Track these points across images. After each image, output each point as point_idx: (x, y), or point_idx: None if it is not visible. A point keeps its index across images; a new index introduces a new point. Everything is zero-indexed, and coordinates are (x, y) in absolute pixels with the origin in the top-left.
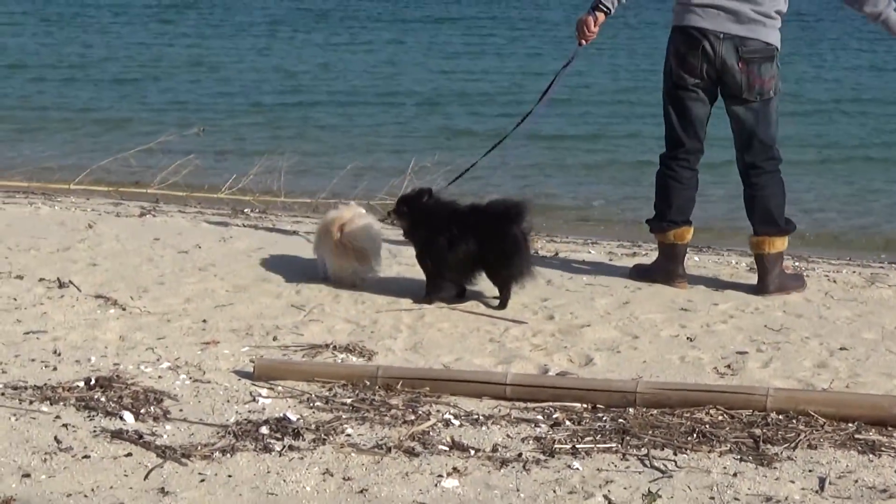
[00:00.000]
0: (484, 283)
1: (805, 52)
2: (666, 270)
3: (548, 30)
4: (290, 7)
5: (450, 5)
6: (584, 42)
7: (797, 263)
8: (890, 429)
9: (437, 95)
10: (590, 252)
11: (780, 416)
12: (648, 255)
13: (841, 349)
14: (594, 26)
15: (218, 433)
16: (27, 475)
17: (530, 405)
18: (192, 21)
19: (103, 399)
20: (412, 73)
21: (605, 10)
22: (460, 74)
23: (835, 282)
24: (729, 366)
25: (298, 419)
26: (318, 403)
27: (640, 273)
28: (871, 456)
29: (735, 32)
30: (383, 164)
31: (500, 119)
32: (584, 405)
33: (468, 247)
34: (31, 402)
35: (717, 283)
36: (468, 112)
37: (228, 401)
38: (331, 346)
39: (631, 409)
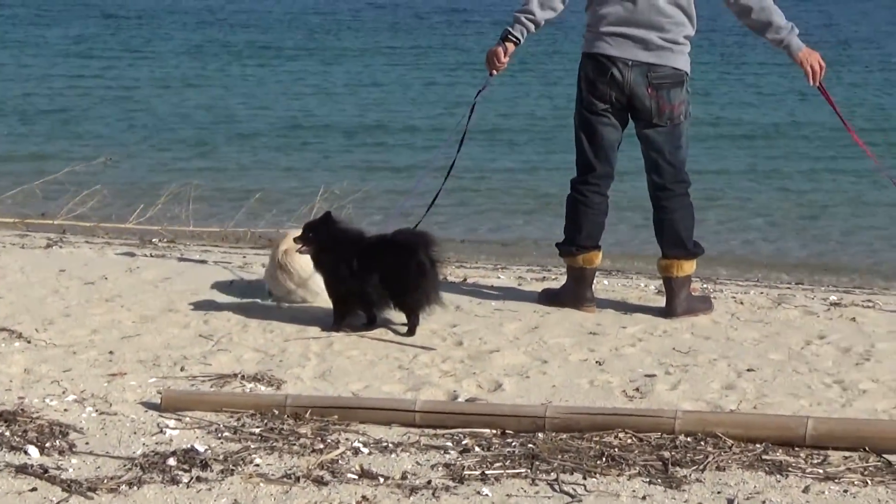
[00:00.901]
0: (393, 310)
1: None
2: (574, 294)
3: (467, 59)
4: (206, 37)
5: (377, 34)
6: (494, 72)
7: (705, 285)
8: (797, 449)
9: (355, 126)
10: (499, 277)
11: (689, 439)
12: (558, 279)
13: (748, 370)
14: (504, 57)
15: (125, 466)
16: None
17: (440, 432)
18: (101, 50)
19: (7, 433)
20: (330, 104)
21: (514, 40)
22: (376, 105)
23: (742, 303)
24: (638, 389)
25: (206, 450)
26: (226, 434)
27: (549, 297)
28: (778, 476)
29: (644, 60)
30: (293, 192)
31: (411, 150)
32: (494, 431)
33: (376, 274)
34: None
35: (625, 307)
36: (382, 143)
37: (135, 433)
38: (239, 376)
39: (540, 434)
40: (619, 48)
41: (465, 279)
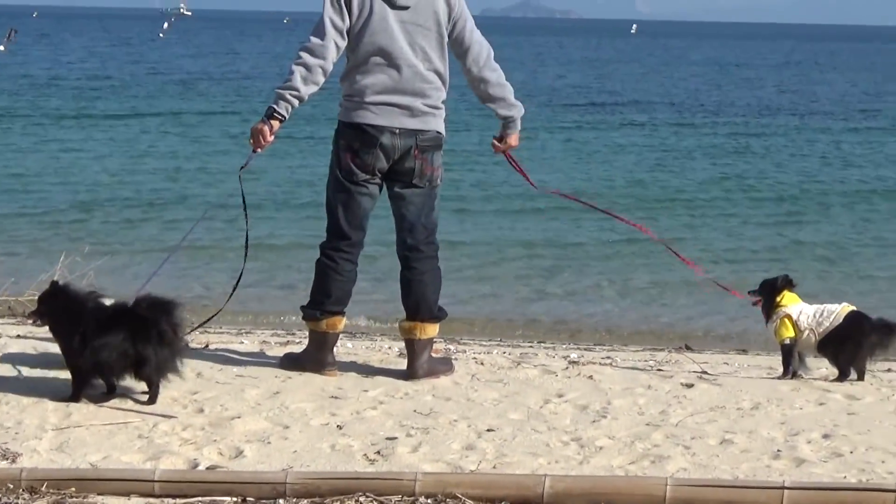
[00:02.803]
0: (133, 379)
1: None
2: (316, 359)
3: (228, 126)
4: None
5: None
6: (259, 150)
7: (448, 346)
8: None
9: (95, 196)
10: (242, 342)
11: (429, 500)
12: (301, 342)
13: (488, 430)
14: (270, 135)
15: None
16: None
17: (179, 501)
18: None
19: None
20: (75, 173)
21: (279, 118)
22: (130, 174)
23: (482, 364)
24: (379, 452)
25: None
26: None
27: (291, 362)
28: None
29: (411, 126)
30: (31, 262)
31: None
32: (234, 498)
33: (115, 343)
34: None
35: (367, 370)
36: (120, 214)
37: None
38: None
39: (281, 501)
40: (386, 117)
41: (206, 345)
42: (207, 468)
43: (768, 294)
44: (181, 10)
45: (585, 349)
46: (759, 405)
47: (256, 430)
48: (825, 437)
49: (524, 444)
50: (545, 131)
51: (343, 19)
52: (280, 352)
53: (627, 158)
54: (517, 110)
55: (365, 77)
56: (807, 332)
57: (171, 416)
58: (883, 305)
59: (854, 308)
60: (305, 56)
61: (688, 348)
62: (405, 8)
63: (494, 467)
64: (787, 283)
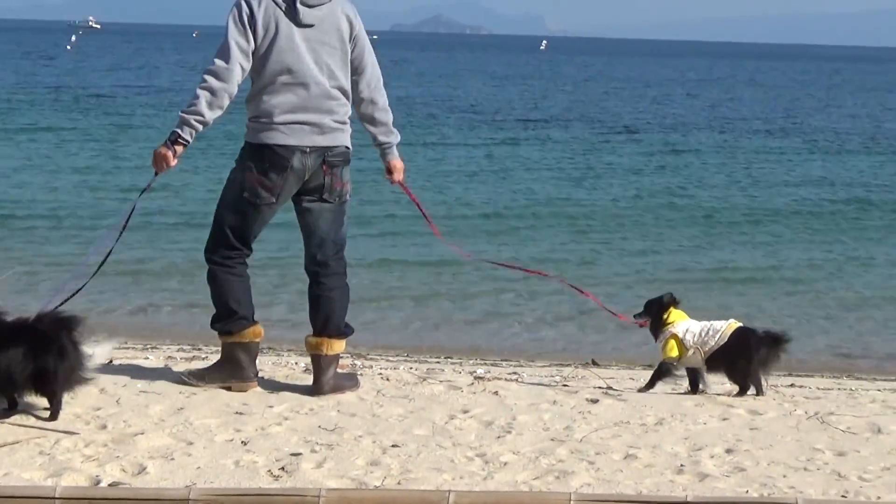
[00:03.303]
0: (34, 395)
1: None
2: (240, 373)
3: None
4: None
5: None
6: (161, 172)
7: (355, 362)
8: None
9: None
10: (147, 358)
11: None
12: (209, 357)
13: (393, 446)
14: (173, 160)
15: None
16: None
17: None
18: None
19: None
20: None
21: (184, 143)
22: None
23: (388, 379)
24: (283, 468)
25: None
26: None
27: (203, 378)
28: None
29: (321, 144)
30: None
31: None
32: None
33: (13, 358)
34: None
35: (273, 385)
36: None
37: None
38: None
39: None
40: (296, 136)
41: (111, 360)
42: (110, 485)
43: (655, 314)
44: (90, 24)
45: (492, 365)
46: (663, 420)
47: (160, 447)
48: (728, 451)
49: (429, 459)
50: (463, 147)
51: (248, 41)
52: (185, 367)
53: (544, 174)
54: (395, 137)
55: (273, 97)
56: (692, 350)
57: (73, 433)
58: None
59: (740, 324)
60: (211, 80)
61: (594, 363)
62: (310, 26)
63: (399, 483)
64: (672, 301)
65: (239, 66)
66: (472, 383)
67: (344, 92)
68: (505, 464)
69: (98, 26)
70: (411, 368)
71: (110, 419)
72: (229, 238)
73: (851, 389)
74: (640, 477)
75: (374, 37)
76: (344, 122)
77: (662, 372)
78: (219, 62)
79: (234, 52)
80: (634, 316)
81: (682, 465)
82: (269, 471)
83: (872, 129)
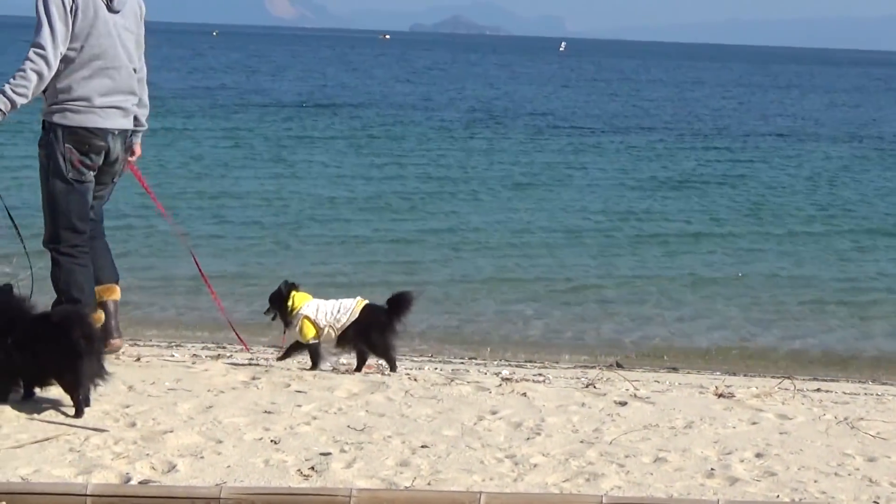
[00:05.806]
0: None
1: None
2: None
3: None
4: None
5: None
6: None
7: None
8: None
9: None
10: (173, 355)
11: None
12: (234, 356)
13: (422, 447)
14: None
15: None
16: None
17: None
18: None
19: None
20: None
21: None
22: None
23: (416, 380)
24: (313, 468)
25: None
26: None
27: None
28: None
29: (124, 126)
30: None
31: None
32: None
33: (31, 353)
34: None
35: (301, 384)
36: None
37: None
38: None
39: None
40: (109, 119)
41: (138, 358)
42: (140, 483)
43: (279, 304)
44: None
45: (517, 366)
46: (692, 424)
47: (189, 445)
48: (758, 456)
49: (458, 460)
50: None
51: (68, 26)
52: (211, 364)
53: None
54: (146, 121)
55: (90, 81)
56: (326, 328)
57: (102, 430)
58: None
59: (367, 301)
60: (41, 64)
61: (619, 366)
62: (118, 12)
63: (429, 484)
64: (291, 287)
65: (60, 51)
66: (500, 384)
67: (140, 75)
68: (535, 465)
69: None
70: (436, 369)
71: (139, 417)
72: (73, 222)
73: (878, 394)
74: (671, 480)
75: (386, 35)
76: (142, 104)
77: (314, 351)
78: (47, 46)
79: (59, 36)
80: (264, 313)
81: (712, 469)
82: (299, 470)
83: None
